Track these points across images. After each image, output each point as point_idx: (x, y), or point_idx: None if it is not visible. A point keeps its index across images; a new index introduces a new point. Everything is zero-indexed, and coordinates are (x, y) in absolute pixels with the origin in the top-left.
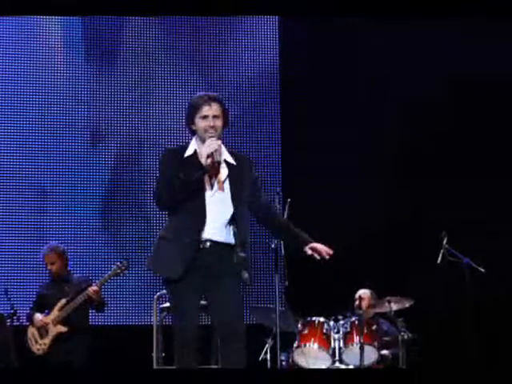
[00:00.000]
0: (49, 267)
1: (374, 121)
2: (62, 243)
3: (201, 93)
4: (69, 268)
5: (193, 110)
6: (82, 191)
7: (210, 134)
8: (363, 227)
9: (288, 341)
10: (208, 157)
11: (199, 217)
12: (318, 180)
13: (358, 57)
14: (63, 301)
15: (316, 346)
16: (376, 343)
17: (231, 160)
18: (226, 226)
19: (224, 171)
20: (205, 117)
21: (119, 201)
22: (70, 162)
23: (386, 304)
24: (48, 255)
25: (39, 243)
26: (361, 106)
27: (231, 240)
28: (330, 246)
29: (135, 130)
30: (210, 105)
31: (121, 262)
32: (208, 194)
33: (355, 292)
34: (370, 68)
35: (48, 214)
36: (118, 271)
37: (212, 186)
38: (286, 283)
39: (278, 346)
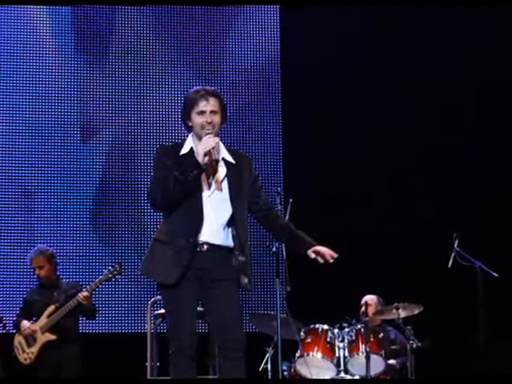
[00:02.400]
0: (37, 272)
1: (378, 115)
2: (50, 246)
3: (198, 87)
4: (58, 273)
5: (189, 106)
6: (72, 191)
7: (208, 131)
8: (369, 229)
9: (290, 350)
10: (205, 155)
11: (196, 218)
12: (321, 179)
13: (360, 48)
14: (52, 307)
15: (319, 355)
16: (383, 352)
17: (230, 158)
18: (224, 228)
19: (222, 170)
20: (202, 112)
21: (111, 201)
22: (59, 159)
23: (394, 311)
24: (36, 259)
25: (26, 246)
26: (364, 100)
27: (230, 243)
28: (334, 249)
29: (128, 125)
30: (207, 100)
31: (113, 267)
32: (205, 194)
33: (361, 298)
34: (373, 59)
35: (36, 214)
36: (110, 276)
37: (209, 186)
38: (288, 288)
39: (280, 355)
